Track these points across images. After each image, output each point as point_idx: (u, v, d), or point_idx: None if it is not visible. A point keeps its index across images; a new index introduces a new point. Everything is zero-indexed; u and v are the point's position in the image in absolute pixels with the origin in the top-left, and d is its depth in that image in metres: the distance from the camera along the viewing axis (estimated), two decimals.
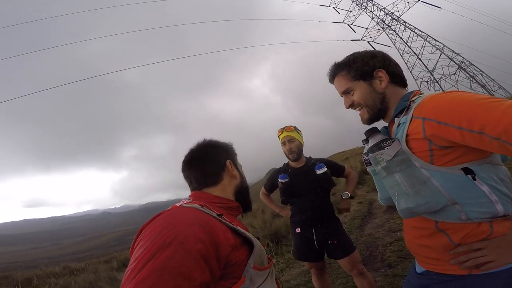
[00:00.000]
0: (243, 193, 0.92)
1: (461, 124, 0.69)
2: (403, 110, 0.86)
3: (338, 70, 0.97)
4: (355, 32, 29.13)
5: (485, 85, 23.92)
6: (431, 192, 0.78)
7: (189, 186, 0.90)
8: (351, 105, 0.97)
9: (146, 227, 0.63)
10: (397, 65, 0.94)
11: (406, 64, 27.23)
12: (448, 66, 25.28)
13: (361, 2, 27.15)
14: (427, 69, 25.97)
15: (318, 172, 1.90)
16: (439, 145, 0.76)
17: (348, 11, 28.54)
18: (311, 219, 1.91)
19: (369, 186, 8.02)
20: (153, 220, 0.64)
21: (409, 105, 0.84)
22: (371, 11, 26.50)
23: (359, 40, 28.76)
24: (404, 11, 25.55)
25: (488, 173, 0.76)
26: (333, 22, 29.92)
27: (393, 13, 25.75)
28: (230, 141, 0.99)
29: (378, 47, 28.04)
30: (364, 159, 1.01)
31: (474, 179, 0.75)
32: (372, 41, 28.27)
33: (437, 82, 25.94)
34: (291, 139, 1.96)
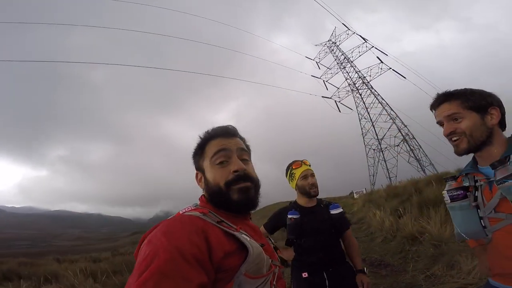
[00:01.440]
0: (216, 200, 0.79)
1: None
2: None
3: (453, 97, 1.00)
4: (327, 89, 31.37)
5: (420, 160, 26.96)
6: None
7: None
8: (452, 133, 0.98)
9: (149, 234, 0.68)
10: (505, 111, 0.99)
11: (362, 129, 30.10)
12: (395, 136, 28.10)
13: (341, 61, 30.78)
14: (377, 137, 28.84)
15: (333, 212, 1.82)
16: None
17: (328, 68, 32.16)
18: (322, 261, 1.76)
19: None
20: (156, 227, 0.69)
21: None
22: (347, 72, 30.28)
23: (329, 98, 30.91)
24: (375, 77, 29.25)
25: None
26: (312, 75, 32.58)
27: (365, 77, 29.57)
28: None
29: (342, 108, 30.72)
30: (451, 196, 1.01)
31: None
32: (339, 101, 30.55)
33: (382, 152, 28.44)
34: (312, 173, 1.89)
